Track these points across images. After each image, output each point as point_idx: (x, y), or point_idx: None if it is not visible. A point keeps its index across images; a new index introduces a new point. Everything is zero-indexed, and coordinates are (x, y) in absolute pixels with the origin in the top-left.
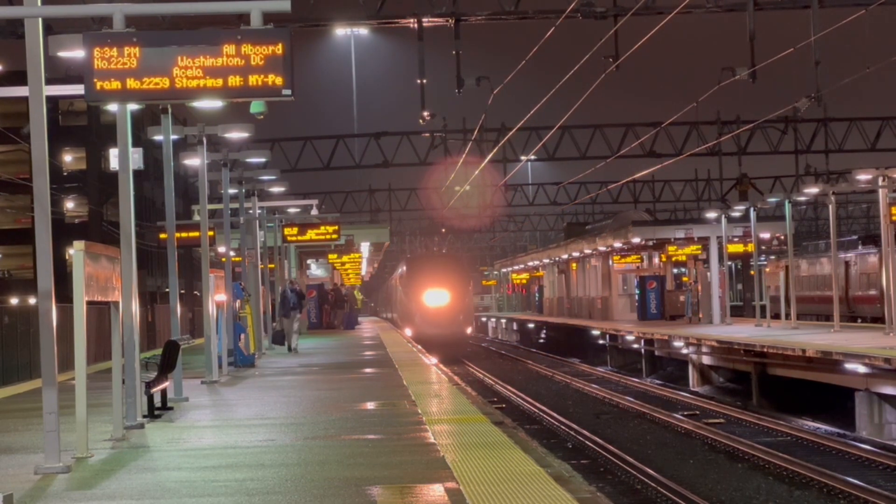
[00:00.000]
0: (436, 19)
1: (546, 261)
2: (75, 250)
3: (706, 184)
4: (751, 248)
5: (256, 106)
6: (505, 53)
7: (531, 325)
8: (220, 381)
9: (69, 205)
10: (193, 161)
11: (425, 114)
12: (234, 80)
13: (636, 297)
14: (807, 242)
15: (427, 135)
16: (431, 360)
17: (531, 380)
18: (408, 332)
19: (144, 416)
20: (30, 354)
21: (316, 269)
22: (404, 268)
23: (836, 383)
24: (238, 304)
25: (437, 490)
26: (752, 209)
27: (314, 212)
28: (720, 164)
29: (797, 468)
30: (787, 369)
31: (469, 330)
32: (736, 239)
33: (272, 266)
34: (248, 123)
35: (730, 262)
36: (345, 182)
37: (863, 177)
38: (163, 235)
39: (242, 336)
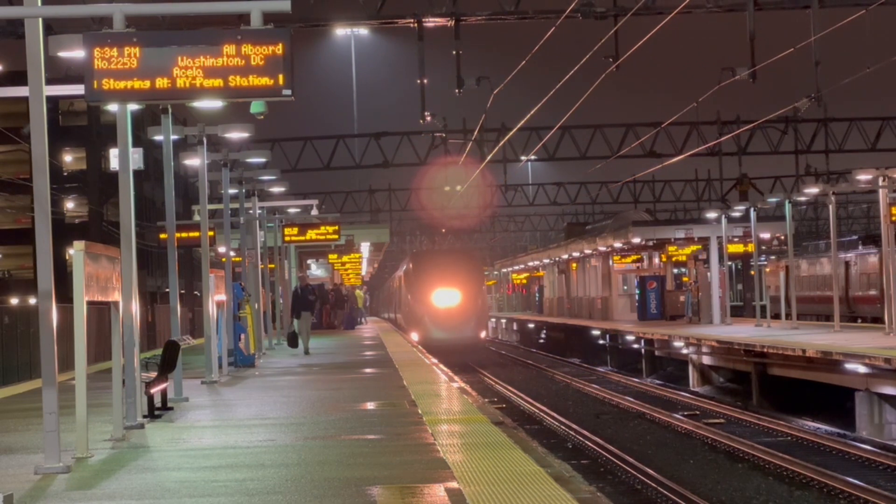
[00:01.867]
0: (436, 19)
1: (546, 261)
2: (75, 250)
3: (706, 184)
4: (751, 248)
5: (256, 106)
6: (505, 53)
7: (531, 325)
8: (220, 382)
9: (69, 205)
10: (193, 161)
11: (427, 115)
12: (235, 80)
13: (636, 297)
14: (807, 242)
15: (428, 134)
16: (432, 361)
17: (531, 379)
18: (413, 336)
19: (144, 417)
20: (30, 354)
21: (316, 269)
22: (409, 264)
23: (836, 383)
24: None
25: (437, 490)
26: (752, 209)
27: (314, 212)
28: (720, 164)
29: (797, 468)
30: (787, 369)
31: (483, 335)
32: (736, 239)
33: (272, 266)
34: (248, 123)
35: (730, 262)
36: (345, 182)
37: (863, 177)
38: (163, 235)
39: (242, 336)
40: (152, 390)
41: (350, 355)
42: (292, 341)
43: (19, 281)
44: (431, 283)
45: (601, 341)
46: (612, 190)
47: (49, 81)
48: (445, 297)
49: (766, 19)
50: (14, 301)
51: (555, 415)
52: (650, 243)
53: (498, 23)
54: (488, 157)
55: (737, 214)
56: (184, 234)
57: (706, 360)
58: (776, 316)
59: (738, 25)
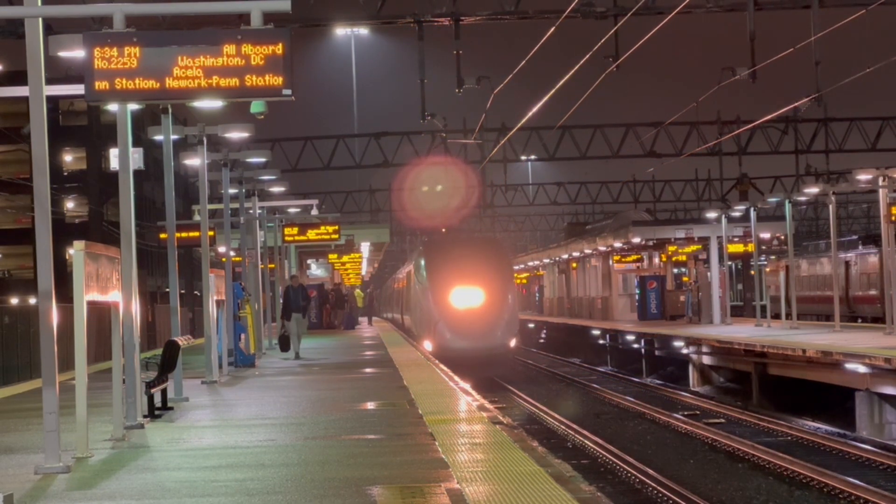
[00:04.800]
0: (436, 19)
1: (546, 261)
2: (75, 250)
3: (706, 184)
4: (751, 248)
5: (256, 106)
6: (505, 53)
7: (531, 325)
8: (220, 382)
9: (69, 205)
10: (193, 161)
11: (428, 116)
12: (235, 80)
13: (636, 297)
14: (807, 242)
15: (428, 134)
16: (433, 361)
17: (531, 380)
18: (426, 345)
19: (144, 416)
20: (30, 354)
21: (316, 269)
22: (422, 256)
23: (837, 383)
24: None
25: (437, 490)
26: (752, 209)
27: (314, 212)
28: (720, 164)
29: (797, 468)
30: (788, 369)
31: (513, 343)
32: (736, 239)
33: (272, 266)
34: (248, 123)
35: (730, 262)
36: (345, 182)
37: (863, 177)
38: (163, 235)
39: (242, 336)
40: (152, 390)
41: (350, 355)
42: (283, 344)
43: (19, 281)
44: (449, 278)
45: (601, 341)
46: (611, 190)
47: (49, 81)
48: (467, 296)
49: (766, 19)
50: (14, 301)
51: (554, 414)
52: (650, 243)
53: (498, 23)
54: (488, 157)
55: (737, 214)
56: (184, 234)
57: (706, 360)
58: (776, 316)
59: (738, 25)
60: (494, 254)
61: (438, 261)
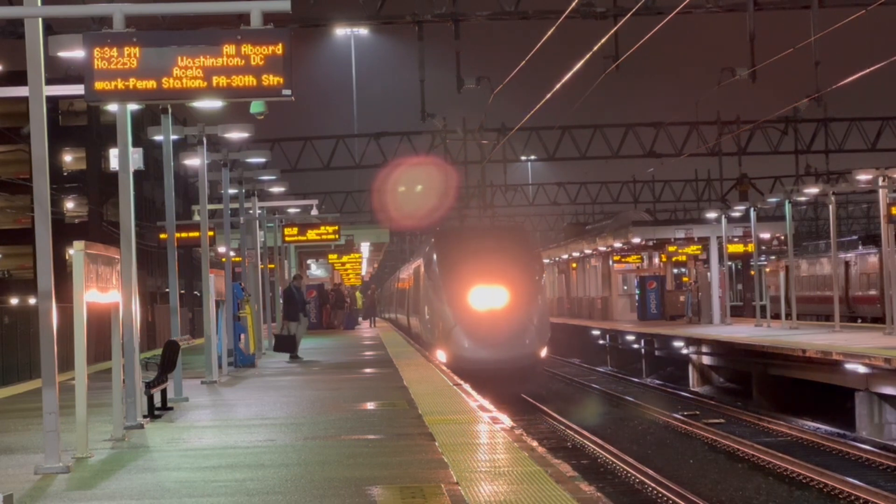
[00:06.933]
0: (436, 19)
1: (546, 261)
2: (75, 250)
3: (706, 184)
4: (751, 248)
5: (256, 106)
6: (505, 53)
7: None
8: (220, 382)
9: (69, 205)
10: (193, 161)
11: (429, 116)
12: (234, 80)
13: (636, 297)
14: (807, 242)
15: (428, 134)
16: (432, 362)
17: (531, 380)
18: (440, 355)
19: (144, 417)
20: (30, 354)
21: (316, 270)
22: (434, 251)
23: (836, 383)
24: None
25: (436, 490)
26: (752, 209)
27: (314, 212)
28: (720, 164)
29: (797, 468)
30: (787, 369)
31: (543, 353)
32: (736, 239)
33: (272, 266)
34: (248, 123)
35: (730, 262)
36: (345, 182)
37: (863, 177)
38: (163, 235)
39: (242, 336)
40: (152, 390)
41: (350, 355)
42: (283, 345)
43: (19, 281)
44: (467, 275)
45: (601, 341)
46: (611, 190)
47: (49, 81)
48: (489, 296)
49: (766, 19)
50: (14, 301)
51: (554, 415)
52: (650, 243)
53: (498, 23)
54: (488, 157)
55: (737, 214)
56: (184, 234)
57: (706, 360)
58: (776, 316)
59: (738, 25)
60: (520, 246)
61: (454, 255)
